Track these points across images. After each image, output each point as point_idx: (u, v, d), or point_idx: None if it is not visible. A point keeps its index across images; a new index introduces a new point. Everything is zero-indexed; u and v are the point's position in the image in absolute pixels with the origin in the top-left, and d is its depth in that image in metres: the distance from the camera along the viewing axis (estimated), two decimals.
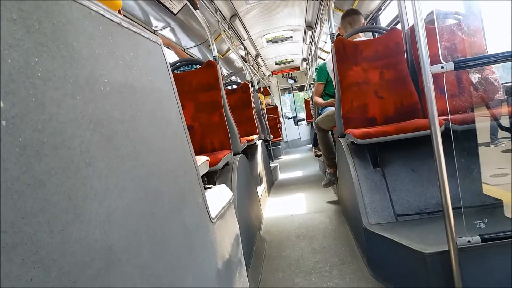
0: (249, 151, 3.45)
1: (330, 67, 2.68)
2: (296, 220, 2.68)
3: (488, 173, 1.32)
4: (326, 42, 5.76)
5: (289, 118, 10.28)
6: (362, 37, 2.47)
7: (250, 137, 3.32)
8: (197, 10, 2.49)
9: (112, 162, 0.50)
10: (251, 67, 5.87)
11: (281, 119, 9.30)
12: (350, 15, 2.53)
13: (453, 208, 1.12)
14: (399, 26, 2.30)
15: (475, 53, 1.26)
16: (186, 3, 2.78)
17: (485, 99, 1.40)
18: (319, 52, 5.84)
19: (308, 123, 9.03)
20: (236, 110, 3.39)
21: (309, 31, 5.23)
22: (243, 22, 4.43)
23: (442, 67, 1.11)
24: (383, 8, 3.37)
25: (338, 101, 2.17)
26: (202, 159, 1.28)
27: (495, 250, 1.15)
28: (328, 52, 6.01)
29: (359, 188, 1.80)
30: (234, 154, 2.39)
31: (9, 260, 0.31)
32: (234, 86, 4.22)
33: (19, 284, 0.31)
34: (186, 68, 2.92)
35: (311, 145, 8.56)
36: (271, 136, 5.89)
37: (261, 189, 3.21)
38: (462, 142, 1.22)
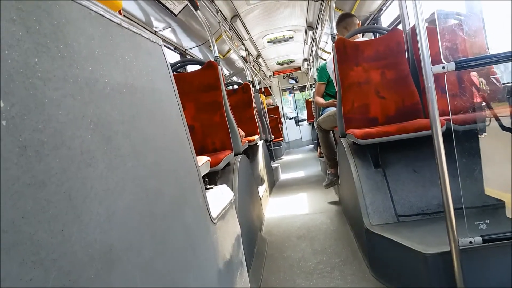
0: (250, 152, 3.45)
1: (330, 68, 2.68)
2: (297, 221, 2.67)
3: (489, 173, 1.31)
4: (327, 43, 5.75)
5: (290, 119, 10.27)
6: (360, 37, 2.46)
7: (251, 138, 3.32)
8: (198, 11, 2.49)
9: (112, 162, 0.50)
10: (252, 68, 5.86)
11: (282, 119, 9.29)
12: (343, 19, 2.53)
13: (454, 209, 1.12)
14: (400, 27, 2.29)
15: (476, 53, 1.25)
16: (187, 4, 2.78)
17: (486, 99, 1.39)
18: (320, 52, 5.84)
19: (309, 124, 9.01)
20: (237, 111, 3.39)
21: (310, 32, 5.23)
22: (244, 22, 4.42)
23: (443, 67, 1.11)
24: (384, 9, 3.36)
25: (339, 101, 2.17)
26: (203, 160, 1.28)
27: (496, 251, 1.15)
28: (329, 53, 6.01)
29: (360, 188, 1.80)
30: (235, 155, 2.39)
31: (9, 260, 0.31)
32: (235, 87, 4.21)
33: (19, 284, 0.31)
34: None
35: (312, 145, 8.56)
36: (272, 136, 5.88)
37: (262, 189, 3.20)
38: (464, 142, 1.21)
